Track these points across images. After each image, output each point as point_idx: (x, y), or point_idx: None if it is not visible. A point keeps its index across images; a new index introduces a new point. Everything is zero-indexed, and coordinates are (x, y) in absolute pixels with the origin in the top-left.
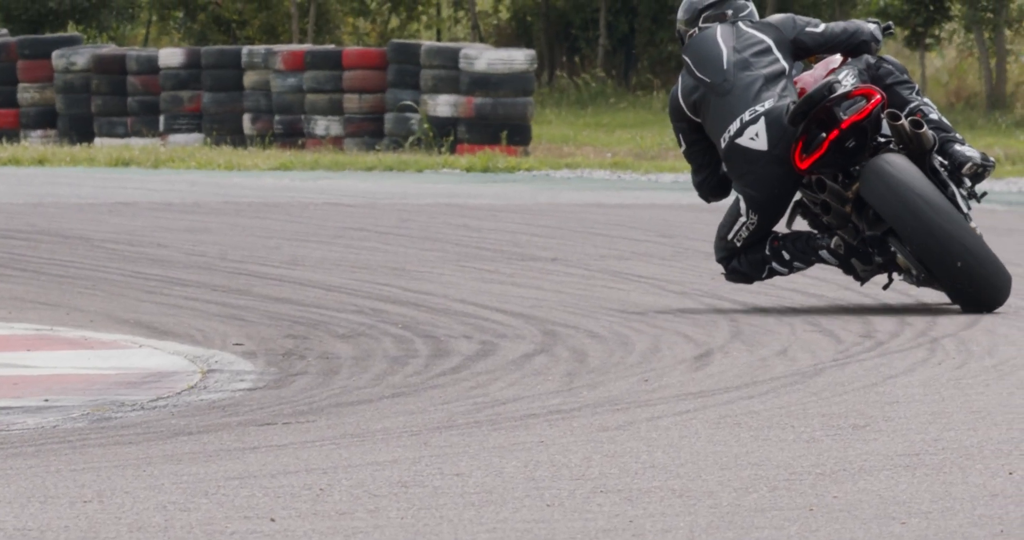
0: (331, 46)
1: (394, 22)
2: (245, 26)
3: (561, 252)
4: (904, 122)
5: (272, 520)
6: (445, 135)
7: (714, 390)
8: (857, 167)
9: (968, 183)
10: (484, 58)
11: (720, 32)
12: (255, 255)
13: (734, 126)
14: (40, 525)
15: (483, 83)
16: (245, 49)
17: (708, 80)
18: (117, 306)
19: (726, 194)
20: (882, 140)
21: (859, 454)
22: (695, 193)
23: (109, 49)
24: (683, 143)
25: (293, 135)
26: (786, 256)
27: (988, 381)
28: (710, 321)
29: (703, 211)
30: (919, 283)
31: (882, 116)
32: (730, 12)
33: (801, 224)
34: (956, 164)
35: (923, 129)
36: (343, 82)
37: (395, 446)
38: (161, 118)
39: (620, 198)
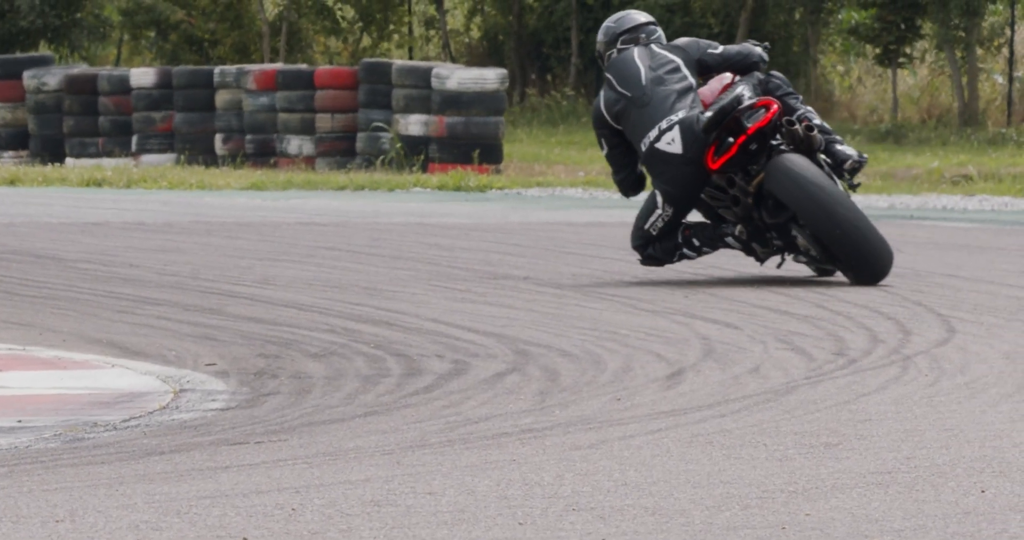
0: (303, 66)
1: (366, 41)
2: (217, 45)
3: (533, 271)
4: (799, 127)
5: (245, 539)
6: (417, 154)
7: (686, 408)
8: (755, 166)
9: (848, 176)
10: (455, 77)
11: (637, 53)
12: (227, 274)
13: (653, 133)
14: None
15: (455, 102)
16: (217, 69)
17: (629, 94)
18: (89, 326)
19: (642, 189)
20: (775, 143)
21: (831, 472)
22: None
23: (81, 69)
24: (605, 147)
25: (265, 155)
26: (696, 243)
27: (960, 399)
28: (682, 340)
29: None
30: (814, 262)
31: (780, 123)
32: (643, 36)
33: (695, 216)
34: (838, 161)
35: (813, 132)
36: (315, 101)
37: (368, 465)
38: (133, 138)
39: (592, 216)
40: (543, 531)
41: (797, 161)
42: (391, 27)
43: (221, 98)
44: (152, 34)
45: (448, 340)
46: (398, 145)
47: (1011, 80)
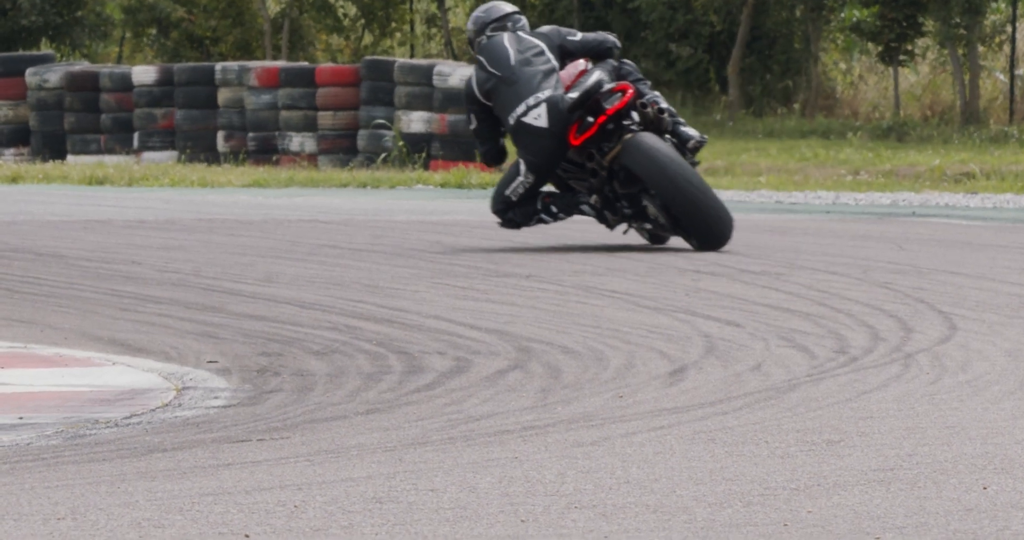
0: (305, 63)
1: (368, 39)
2: (218, 43)
3: (535, 268)
4: (650, 109)
5: (247, 537)
6: (419, 152)
7: (688, 406)
8: (609, 144)
9: (690, 154)
10: (457, 75)
11: (506, 38)
12: (229, 272)
13: (521, 109)
14: None
15: (457, 100)
16: (219, 66)
17: (499, 74)
18: (91, 323)
19: (503, 161)
20: (628, 123)
21: (833, 469)
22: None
23: (82, 67)
24: (474, 121)
25: (267, 152)
26: (553, 209)
27: (962, 396)
28: (684, 337)
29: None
30: (661, 229)
31: (635, 106)
32: (510, 24)
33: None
34: (683, 140)
35: (663, 115)
36: (317, 99)
37: (369, 462)
38: (135, 135)
39: None
40: (545, 528)
41: (652, 140)
42: (393, 25)
43: (223, 95)
44: (153, 32)
45: (450, 337)
46: (400, 143)
47: (1013, 78)
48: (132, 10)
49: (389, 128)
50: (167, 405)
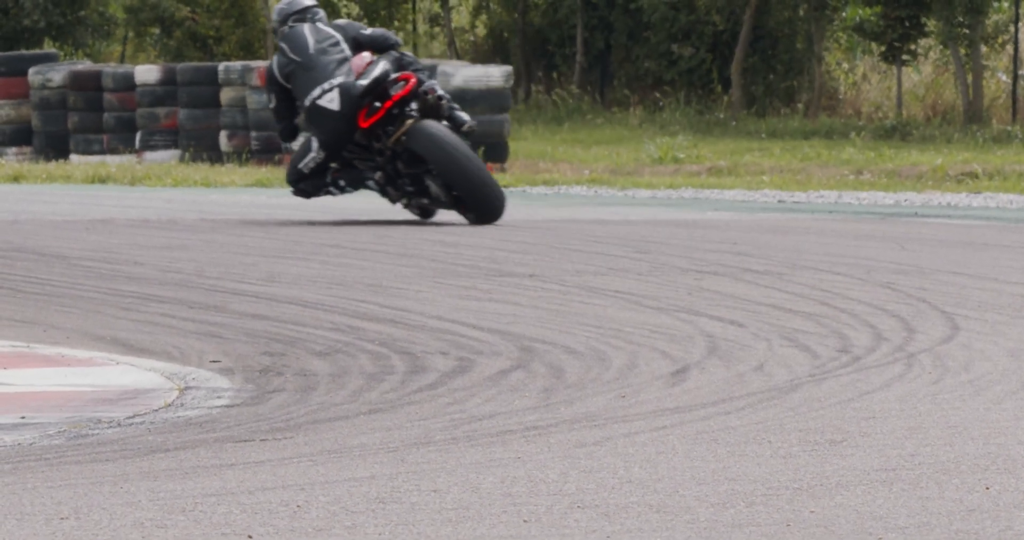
0: None
1: None
2: (221, 42)
3: (538, 268)
4: (431, 96)
5: (249, 537)
6: None
7: (691, 406)
8: (392, 127)
9: (464, 136)
10: (460, 75)
11: (307, 29)
12: (232, 272)
13: (316, 92)
14: None
15: (459, 99)
16: (221, 65)
17: (299, 59)
18: (94, 323)
19: (296, 138)
20: (408, 109)
21: (836, 469)
22: (672, 209)
23: (85, 66)
24: (273, 101)
25: (270, 151)
26: (341, 183)
27: (964, 396)
28: (687, 337)
29: (679, 227)
30: (438, 205)
31: (417, 93)
32: (310, 16)
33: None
34: (457, 124)
35: (442, 101)
36: None
37: (372, 462)
38: (137, 135)
39: (597, 214)
40: (547, 528)
41: (436, 125)
42: (395, 24)
43: (226, 95)
44: (156, 31)
45: (453, 337)
46: None
47: (1015, 78)
48: (135, 9)
49: None
50: (170, 405)
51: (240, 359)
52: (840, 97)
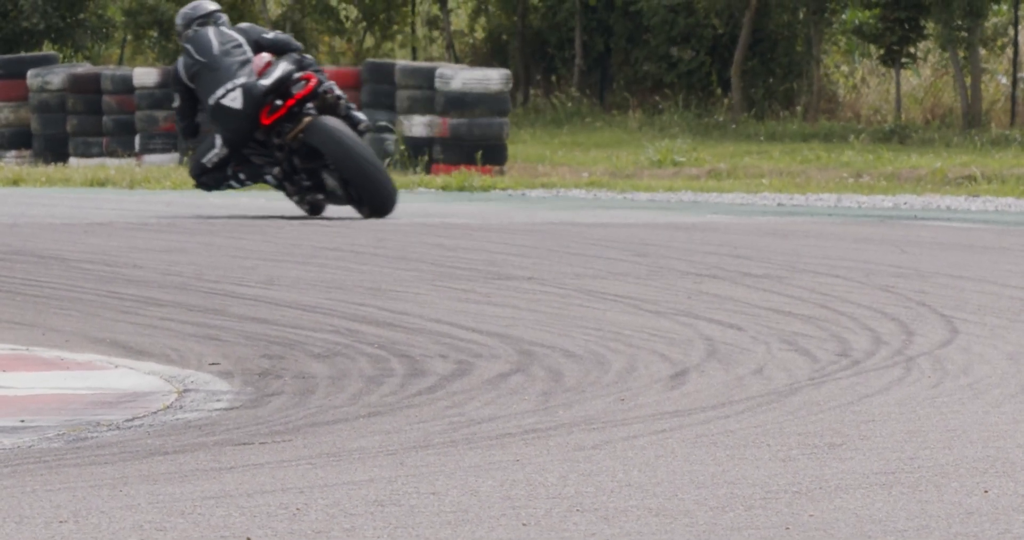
0: None
1: (369, 41)
2: None
3: (537, 271)
4: (329, 95)
5: (248, 539)
6: (420, 155)
7: (690, 409)
8: (291, 124)
9: (360, 135)
10: (459, 78)
11: (211, 32)
12: (231, 275)
13: (220, 92)
14: None
15: (458, 103)
16: None
17: (204, 60)
18: (93, 326)
19: (197, 135)
20: (309, 107)
21: (835, 473)
22: (671, 212)
23: (84, 68)
24: (178, 100)
25: None
26: (241, 177)
27: (963, 400)
28: (686, 340)
29: (678, 230)
30: (333, 201)
31: (317, 92)
32: (213, 20)
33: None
34: (353, 123)
35: (339, 101)
36: None
37: (371, 465)
38: (136, 138)
39: (596, 217)
40: (547, 532)
41: (332, 121)
42: (395, 27)
43: None
44: (155, 34)
45: (452, 340)
46: (402, 146)
47: (1015, 81)
48: (133, 12)
49: (392, 131)
50: (169, 408)
51: (239, 362)
52: (839, 100)
